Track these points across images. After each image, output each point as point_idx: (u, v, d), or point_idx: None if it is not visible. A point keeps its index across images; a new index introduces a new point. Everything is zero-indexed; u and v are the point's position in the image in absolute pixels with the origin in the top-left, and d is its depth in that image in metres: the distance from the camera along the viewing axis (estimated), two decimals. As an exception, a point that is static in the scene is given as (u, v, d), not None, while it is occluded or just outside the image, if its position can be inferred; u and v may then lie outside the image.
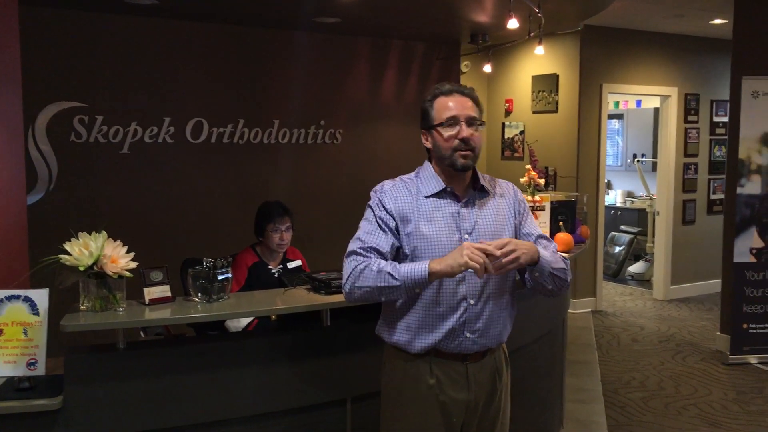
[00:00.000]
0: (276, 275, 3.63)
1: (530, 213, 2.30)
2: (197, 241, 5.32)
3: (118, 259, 2.37)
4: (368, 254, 2.06)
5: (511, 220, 2.20)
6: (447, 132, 2.09)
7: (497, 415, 2.22)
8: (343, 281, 2.07)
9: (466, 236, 2.09)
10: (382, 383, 2.21)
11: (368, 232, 2.10)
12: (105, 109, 5.11)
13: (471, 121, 2.10)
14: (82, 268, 2.32)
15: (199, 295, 2.58)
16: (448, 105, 2.10)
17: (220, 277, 2.59)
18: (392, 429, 2.17)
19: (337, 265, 2.92)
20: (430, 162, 2.19)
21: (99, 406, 2.30)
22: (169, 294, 2.56)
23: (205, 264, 2.59)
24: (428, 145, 2.16)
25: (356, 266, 2.04)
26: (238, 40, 5.65)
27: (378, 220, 2.10)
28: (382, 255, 2.06)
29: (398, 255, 2.11)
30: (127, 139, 5.21)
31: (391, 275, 1.99)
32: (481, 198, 2.17)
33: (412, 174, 2.20)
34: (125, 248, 2.42)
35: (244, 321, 3.33)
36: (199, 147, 5.52)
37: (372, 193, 2.17)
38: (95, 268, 2.34)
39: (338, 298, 2.63)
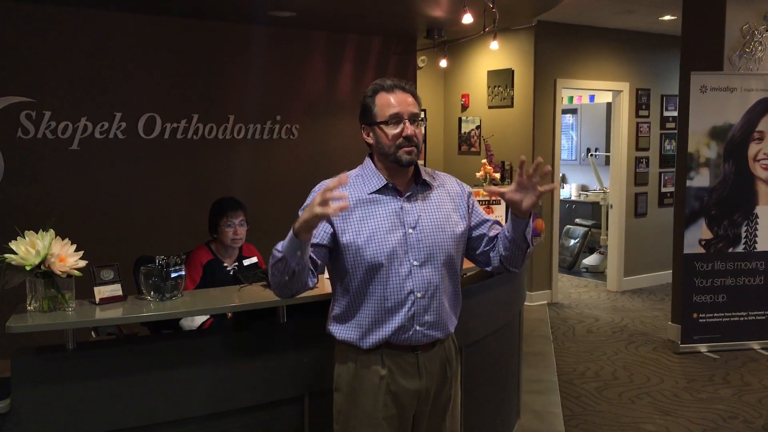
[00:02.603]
0: (231, 272, 3.58)
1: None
2: (150, 238, 5.22)
3: (67, 257, 2.31)
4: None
5: (456, 211, 2.22)
6: (391, 130, 2.11)
7: (447, 402, 2.26)
8: None
9: (410, 230, 2.12)
10: (334, 377, 2.22)
11: None
12: (53, 104, 4.97)
13: (413, 118, 2.12)
14: (28, 268, 2.26)
15: (152, 293, 2.53)
16: (391, 102, 2.12)
17: (173, 275, 2.54)
18: (346, 422, 2.18)
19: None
20: (371, 157, 2.21)
21: (48, 409, 2.24)
22: (120, 293, 2.50)
23: (158, 262, 2.54)
24: (370, 140, 2.17)
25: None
26: (191, 33, 5.55)
27: None
28: None
29: (342, 254, 2.11)
30: (76, 134, 5.08)
31: (276, 250, 1.99)
32: (424, 191, 2.20)
33: (354, 171, 2.21)
34: (74, 246, 2.36)
35: (199, 320, 3.28)
36: (151, 143, 5.41)
37: (311, 193, 2.15)
38: (43, 267, 2.28)
39: (295, 294, 2.60)
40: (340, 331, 2.17)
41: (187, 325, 3.28)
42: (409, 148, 2.10)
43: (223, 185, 5.44)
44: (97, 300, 2.45)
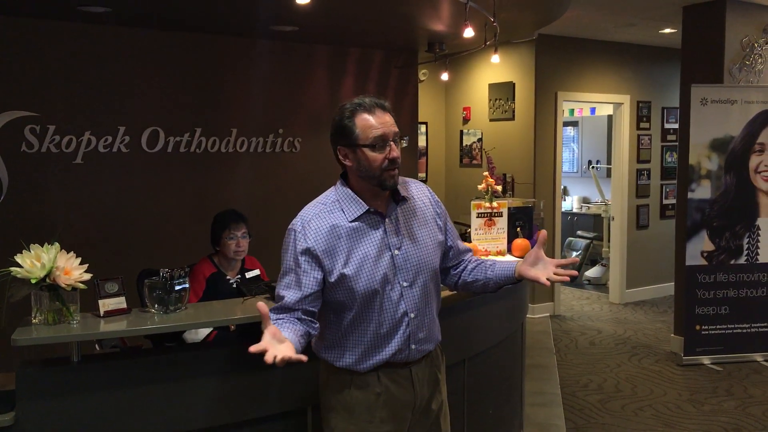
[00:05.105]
0: (234, 285, 3.59)
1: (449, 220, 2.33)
2: (153, 251, 5.23)
3: (72, 270, 2.33)
4: (280, 315, 2.03)
5: (434, 221, 2.22)
6: (377, 153, 2.01)
7: (440, 408, 2.25)
8: None
9: (396, 252, 2.08)
10: (326, 398, 2.17)
11: (286, 286, 2.05)
12: (57, 119, 5.00)
13: (395, 138, 2.05)
14: (34, 281, 2.27)
15: (156, 306, 2.54)
16: (374, 123, 2.02)
17: (177, 288, 2.55)
18: None
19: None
20: (345, 179, 2.13)
21: (53, 422, 2.24)
22: (124, 305, 2.51)
23: (162, 274, 2.55)
24: (349, 163, 2.06)
25: None
26: (194, 48, 5.59)
27: (296, 266, 2.04)
28: (293, 309, 2.03)
29: (335, 288, 2.05)
30: (80, 148, 5.10)
31: None
32: (401, 207, 2.14)
33: (331, 196, 2.12)
34: (79, 260, 2.37)
35: (203, 333, 3.29)
36: (155, 156, 5.43)
37: (289, 233, 2.08)
38: (48, 280, 2.29)
39: (298, 306, 2.61)
40: (336, 359, 2.12)
41: (191, 338, 3.29)
42: (394, 171, 2.04)
43: (225, 198, 5.46)
44: (102, 313, 2.45)
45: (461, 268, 2.32)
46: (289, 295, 2.03)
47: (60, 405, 2.25)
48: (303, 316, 2.03)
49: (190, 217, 5.48)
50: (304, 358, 1.85)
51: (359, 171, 2.06)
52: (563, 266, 2.11)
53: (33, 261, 2.27)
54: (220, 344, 3.09)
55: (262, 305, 1.88)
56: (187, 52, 5.57)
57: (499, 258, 3.32)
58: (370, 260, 2.04)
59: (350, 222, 2.06)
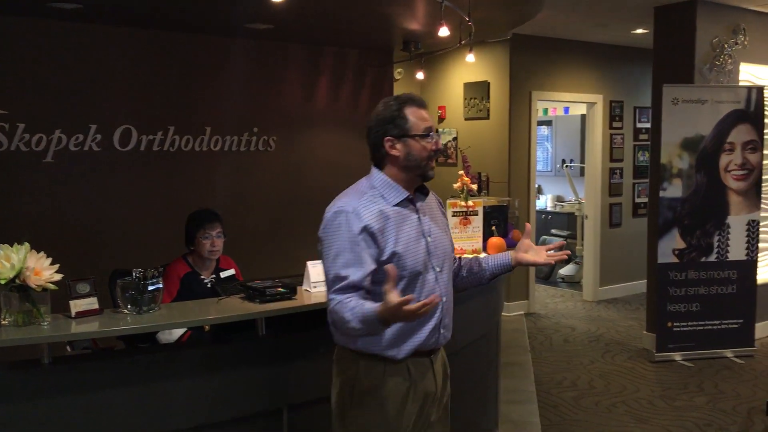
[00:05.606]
0: (209, 285, 3.56)
1: None
2: (126, 251, 5.16)
3: (42, 271, 2.29)
4: (348, 294, 2.01)
5: (444, 219, 2.36)
6: (427, 143, 2.14)
7: (448, 401, 2.35)
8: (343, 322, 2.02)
9: (429, 239, 2.19)
10: (353, 390, 2.13)
11: (344, 265, 2.04)
12: (27, 116, 4.91)
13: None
14: (3, 281, 2.23)
15: (129, 306, 2.51)
16: (424, 116, 2.16)
17: (150, 288, 2.53)
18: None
19: (273, 273, 2.89)
20: (380, 170, 2.18)
21: (24, 425, 2.21)
22: (96, 306, 2.48)
23: (135, 275, 2.53)
24: (396, 152, 2.13)
25: (339, 308, 2.02)
26: (167, 45, 5.53)
27: (354, 245, 2.04)
28: (360, 287, 2.03)
29: (384, 265, 2.05)
30: (50, 147, 5.03)
31: (354, 328, 1.99)
32: (424, 200, 2.27)
33: (365, 185, 2.17)
34: (49, 260, 2.34)
35: (177, 333, 3.26)
36: (127, 155, 5.37)
37: (338, 215, 2.07)
38: (17, 280, 2.26)
39: (273, 306, 2.60)
40: (368, 345, 2.10)
41: (165, 338, 3.26)
42: (433, 163, 2.19)
43: (199, 197, 5.41)
44: (73, 314, 2.42)
45: (456, 265, 2.43)
46: (353, 273, 2.02)
47: (30, 408, 2.22)
48: (365, 294, 2.04)
49: (164, 216, 5.42)
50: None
51: (407, 160, 2.14)
52: (554, 249, 2.33)
53: (2, 261, 2.24)
54: (194, 345, 3.06)
55: (391, 266, 1.94)
56: (160, 49, 5.51)
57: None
58: (412, 242, 2.13)
59: (393, 206, 2.14)
